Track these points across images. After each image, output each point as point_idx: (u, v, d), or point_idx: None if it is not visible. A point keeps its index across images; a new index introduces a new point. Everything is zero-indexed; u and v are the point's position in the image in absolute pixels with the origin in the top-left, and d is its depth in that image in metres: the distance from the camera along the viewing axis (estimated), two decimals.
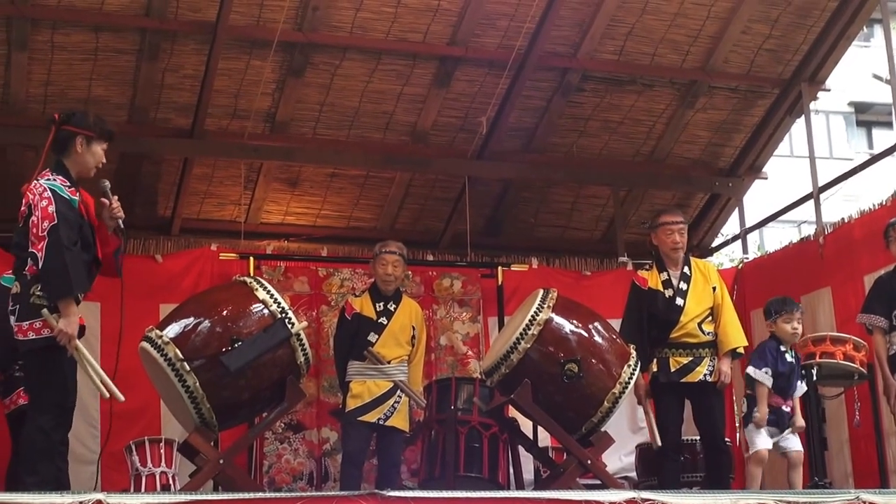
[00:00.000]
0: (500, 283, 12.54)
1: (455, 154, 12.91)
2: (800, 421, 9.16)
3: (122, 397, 7.00)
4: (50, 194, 6.87)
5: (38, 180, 7.00)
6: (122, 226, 7.39)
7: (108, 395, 6.94)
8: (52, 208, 6.80)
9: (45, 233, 6.77)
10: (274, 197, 12.94)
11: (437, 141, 12.80)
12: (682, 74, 12.75)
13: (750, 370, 9.06)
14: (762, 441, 9.00)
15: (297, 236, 13.07)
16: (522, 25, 11.71)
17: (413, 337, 9.85)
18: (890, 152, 12.23)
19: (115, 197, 7.29)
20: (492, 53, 12.05)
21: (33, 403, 7.25)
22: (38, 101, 11.22)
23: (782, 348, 9.17)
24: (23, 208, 7.01)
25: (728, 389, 9.43)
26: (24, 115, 11.13)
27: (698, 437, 9.71)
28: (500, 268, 12.64)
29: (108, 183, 7.33)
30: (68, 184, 7.04)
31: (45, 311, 6.74)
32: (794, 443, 9.10)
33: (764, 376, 8.96)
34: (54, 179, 6.99)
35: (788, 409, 9.13)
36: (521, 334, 8.61)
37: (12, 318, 6.98)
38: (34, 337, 6.90)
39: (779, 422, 9.06)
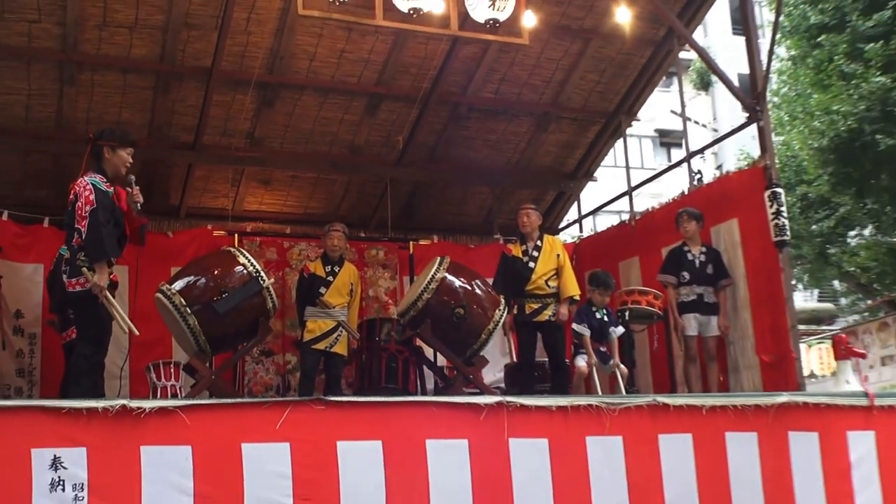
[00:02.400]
0: (411, 252, 12.57)
1: (380, 162, 12.83)
2: (616, 359, 9.55)
3: (137, 332, 7.05)
4: (91, 187, 6.97)
5: (83, 178, 7.10)
6: (139, 207, 7.39)
7: (126, 329, 6.98)
8: (92, 196, 6.90)
9: (87, 214, 6.89)
10: (252, 192, 12.82)
11: (367, 153, 12.70)
12: (538, 108, 12.76)
13: (574, 326, 9.54)
14: (582, 363, 9.35)
15: (268, 220, 12.96)
16: (427, 72, 11.73)
17: (351, 290, 9.78)
18: (679, 164, 12.38)
19: (138, 187, 7.37)
20: (406, 91, 11.97)
21: (78, 336, 7.38)
22: (82, 123, 11.01)
23: (593, 309, 9.61)
24: (70, 197, 7.11)
25: (567, 324, 9.52)
26: (72, 132, 10.92)
27: (546, 359, 9.79)
28: (411, 242, 12.67)
29: (133, 177, 7.39)
30: (105, 181, 7.13)
31: (84, 269, 6.85)
32: (611, 365, 9.40)
33: (584, 329, 9.47)
34: (96, 177, 7.09)
35: (604, 350, 9.56)
36: (424, 288, 8.68)
37: (64, 276, 7.08)
38: (79, 290, 7.00)
39: (599, 357, 9.39)
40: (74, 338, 7.91)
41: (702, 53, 11.08)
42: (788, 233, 9.39)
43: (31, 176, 11.42)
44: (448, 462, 6.10)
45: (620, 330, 9.65)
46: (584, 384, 9.60)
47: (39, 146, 11.27)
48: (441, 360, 9.88)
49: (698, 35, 13.17)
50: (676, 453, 6.79)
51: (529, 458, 6.35)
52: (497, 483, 6.21)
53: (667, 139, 35.56)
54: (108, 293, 6.95)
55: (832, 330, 16.36)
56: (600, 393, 9.13)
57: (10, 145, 11.17)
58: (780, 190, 9.43)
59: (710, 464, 6.87)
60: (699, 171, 11.72)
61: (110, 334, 7.34)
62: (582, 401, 6.73)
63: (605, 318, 9.56)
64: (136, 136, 10.85)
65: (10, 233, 10.27)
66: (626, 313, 9.90)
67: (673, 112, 26.44)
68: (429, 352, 9.82)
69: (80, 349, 7.19)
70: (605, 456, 6.58)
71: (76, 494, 5.18)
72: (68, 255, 7.15)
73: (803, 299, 26.80)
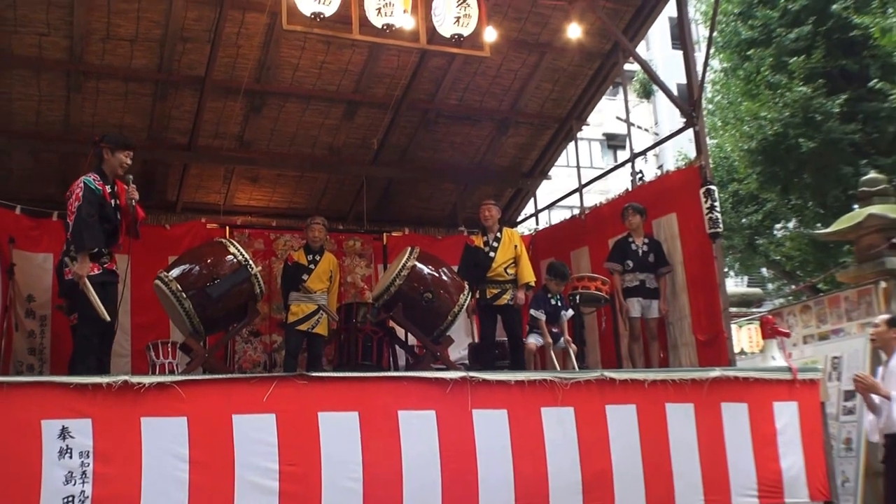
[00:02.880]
0: (385, 243, 12.55)
1: (357, 162, 12.77)
2: (567, 337, 9.46)
3: (107, 317, 7.08)
4: (82, 185, 7.10)
5: (82, 177, 7.23)
6: (133, 204, 7.48)
7: (102, 316, 7.03)
8: (80, 193, 7.04)
9: (75, 209, 7.02)
10: (242, 189, 12.75)
11: (345, 154, 12.65)
12: (498, 114, 12.74)
13: (531, 311, 9.42)
14: (532, 341, 9.32)
15: (256, 214, 12.88)
16: (399, 81, 11.73)
17: (331, 277, 9.80)
18: (624, 164, 12.40)
19: (134, 186, 7.46)
20: (380, 99, 11.94)
21: (79, 319, 7.44)
22: (87, 126, 10.92)
23: (549, 296, 9.49)
24: (67, 194, 7.21)
25: (524, 308, 9.55)
26: (79, 134, 10.82)
27: (506, 339, 9.82)
28: (384, 234, 12.66)
29: (131, 176, 7.48)
30: (99, 179, 7.26)
31: (67, 259, 7.14)
32: (563, 343, 9.34)
33: (540, 314, 9.35)
34: (90, 176, 7.21)
35: (556, 330, 9.44)
36: (396, 274, 8.69)
37: (62, 267, 7.36)
38: (71, 277, 7.14)
39: (552, 337, 9.34)
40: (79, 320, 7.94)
41: (644, 65, 11.13)
42: (721, 225, 9.45)
43: (41, 174, 11.30)
44: (418, 430, 6.13)
45: (570, 313, 9.65)
46: (541, 362, 9.64)
47: (49, 147, 11.15)
48: (411, 340, 9.90)
49: (641, 49, 13.23)
50: (622, 422, 6.85)
51: (491, 427, 6.39)
52: (462, 449, 6.25)
53: (613, 142, 35.65)
54: (87, 281, 6.97)
55: (760, 312, 16.43)
56: (558, 369, 9.17)
57: (22, 146, 11.07)
58: (713, 187, 9.49)
59: (652, 431, 6.93)
60: (640, 171, 11.81)
61: (115, 317, 7.39)
62: (537, 375, 6.78)
63: (559, 304, 9.58)
64: (137, 138, 11.08)
65: (22, 225, 10.22)
66: (577, 297, 9.92)
67: (619, 118, 26.51)
68: (400, 332, 9.81)
69: (82, 330, 7.28)
70: (559, 424, 6.62)
71: (82, 461, 5.17)
72: (66, 246, 7.34)
73: (734, 284, 26.93)
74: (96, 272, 7.18)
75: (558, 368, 9.08)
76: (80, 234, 7.03)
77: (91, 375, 5.56)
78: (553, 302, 9.51)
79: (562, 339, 9.48)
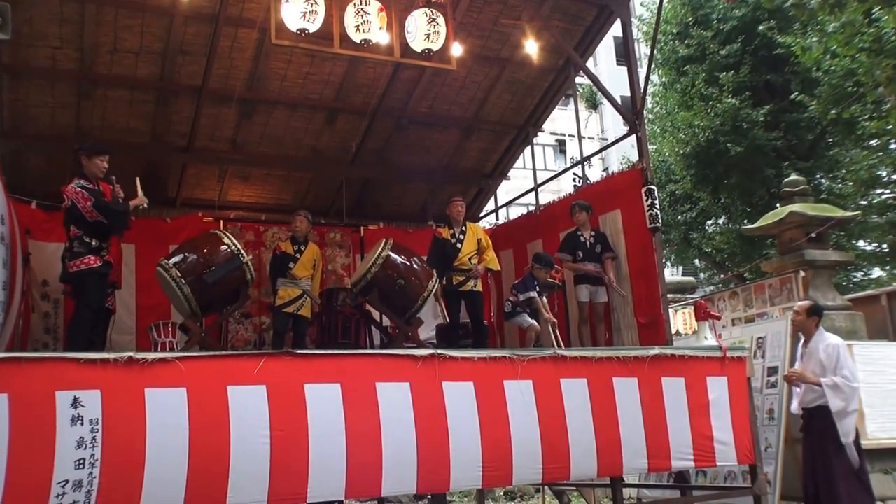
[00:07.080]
0: (362, 235, 12.54)
1: (337, 163, 12.73)
2: (549, 316, 9.51)
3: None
4: (82, 191, 7.37)
5: (72, 184, 7.42)
6: (120, 200, 7.64)
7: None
8: (86, 195, 7.34)
9: (90, 208, 7.32)
10: (234, 186, 12.67)
11: (327, 155, 12.60)
12: (464, 121, 12.77)
13: (531, 293, 9.40)
14: (532, 322, 9.46)
15: (247, 209, 12.80)
16: (375, 91, 11.72)
17: (314, 265, 9.79)
18: (572, 168, 12.49)
19: (119, 185, 7.67)
20: (358, 107, 11.93)
21: (76, 305, 7.61)
22: (97, 130, 10.84)
23: (535, 282, 9.47)
24: (66, 203, 7.41)
25: (486, 294, 9.58)
26: (89, 137, 10.61)
27: (468, 320, 9.85)
28: (362, 227, 12.65)
29: (114, 177, 7.67)
30: (88, 182, 7.49)
31: (70, 253, 7.44)
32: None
33: (533, 293, 9.33)
34: (80, 181, 7.43)
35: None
36: (372, 263, 8.71)
37: (66, 261, 7.48)
38: (75, 270, 7.33)
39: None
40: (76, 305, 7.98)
41: (593, 79, 11.17)
42: (660, 221, 9.52)
43: (54, 173, 11.10)
44: (394, 399, 6.11)
45: (543, 300, 9.72)
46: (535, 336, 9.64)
47: (62, 149, 10.92)
48: (386, 321, 9.91)
49: (589, 65, 13.27)
50: (575, 393, 6.83)
51: (459, 397, 6.37)
52: (434, 416, 6.24)
53: (565, 147, 35.79)
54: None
55: (694, 298, 16.59)
56: (558, 344, 9.17)
57: (37, 148, 10.95)
58: (653, 187, 9.56)
59: (601, 402, 6.93)
60: (584, 177, 11.95)
61: (102, 302, 7.73)
62: (498, 353, 6.77)
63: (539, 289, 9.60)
64: (140, 141, 11.17)
65: (37, 218, 10.14)
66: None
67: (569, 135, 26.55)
68: (376, 314, 9.84)
69: (78, 314, 7.47)
70: (520, 395, 6.60)
71: (92, 427, 5.12)
72: (67, 244, 7.46)
73: (671, 274, 27.20)
74: (99, 264, 7.27)
75: (557, 344, 9.11)
76: (117, 215, 7.42)
77: (94, 352, 5.52)
78: (537, 288, 9.53)
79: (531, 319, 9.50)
